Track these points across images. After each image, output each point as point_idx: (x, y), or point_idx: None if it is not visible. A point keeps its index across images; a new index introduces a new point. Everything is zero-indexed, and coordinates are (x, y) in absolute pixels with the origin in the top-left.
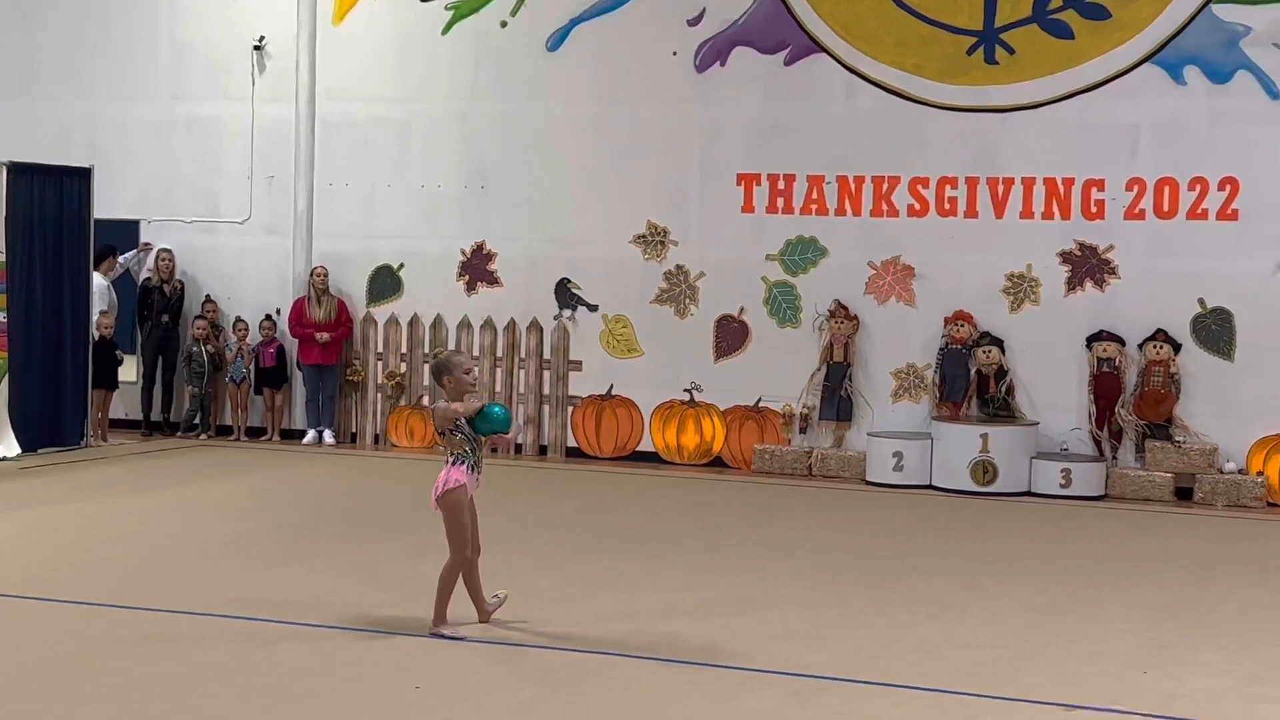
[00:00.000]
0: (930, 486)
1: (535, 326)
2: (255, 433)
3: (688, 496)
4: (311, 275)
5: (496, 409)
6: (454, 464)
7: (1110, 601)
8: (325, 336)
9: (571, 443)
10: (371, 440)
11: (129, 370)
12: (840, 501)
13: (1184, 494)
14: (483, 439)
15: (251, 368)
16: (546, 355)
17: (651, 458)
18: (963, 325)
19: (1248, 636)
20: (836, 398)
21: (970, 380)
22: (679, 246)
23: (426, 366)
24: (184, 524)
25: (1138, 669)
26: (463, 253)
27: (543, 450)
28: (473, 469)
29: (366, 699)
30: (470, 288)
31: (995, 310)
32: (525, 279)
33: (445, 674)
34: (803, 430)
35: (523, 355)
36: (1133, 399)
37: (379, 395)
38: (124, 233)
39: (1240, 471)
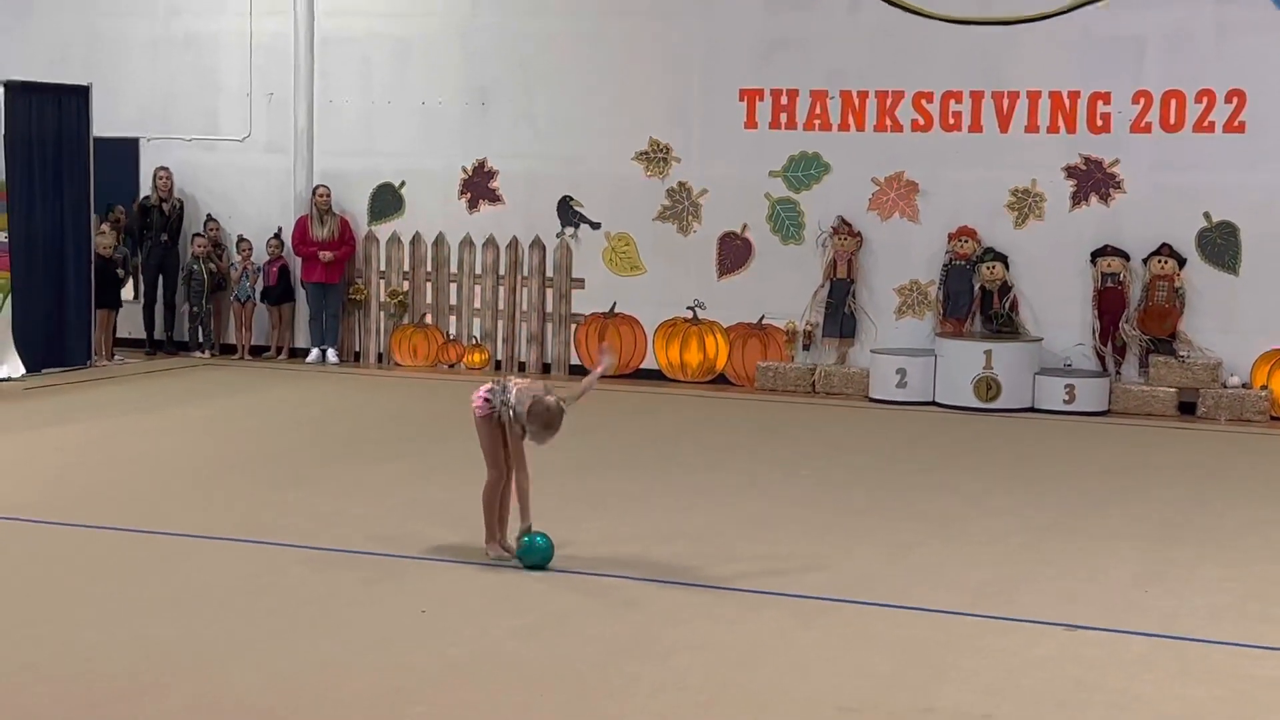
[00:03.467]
0: (933, 403)
1: (538, 244)
2: (259, 351)
3: (691, 414)
4: (314, 194)
5: (540, 540)
6: (486, 389)
7: (1113, 519)
8: (329, 255)
9: (575, 360)
10: (375, 359)
11: (129, 289)
12: (843, 419)
13: (1187, 409)
14: (514, 418)
15: (257, 286)
16: (549, 273)
17: (655, 375)
18: (966, 241)
19: (1249, 554)
20: (840, 315)
21: (974, 296)
22: (681, 163)
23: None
24: (189, 445)
25: (1139, 588)
26: (464, 170)
27: (546, 368)
28: (495, 409)
29: (372, 622)
30: (472, 205)
31: (999, 226)
32: (527, 196)
33: (451, 597)
34: (806, 347)
35: (525, 273)
36: (1137, 314)
37: (382, 314)
38: (123, 151)
39: (1244, 386)
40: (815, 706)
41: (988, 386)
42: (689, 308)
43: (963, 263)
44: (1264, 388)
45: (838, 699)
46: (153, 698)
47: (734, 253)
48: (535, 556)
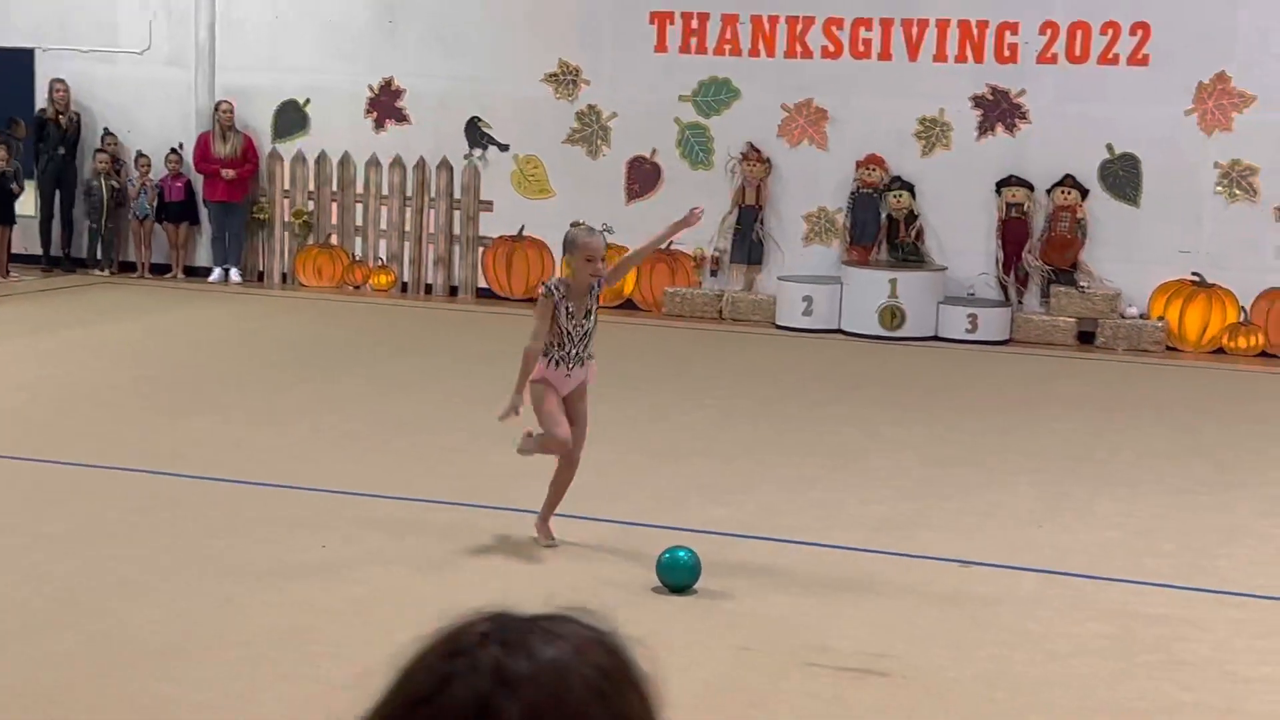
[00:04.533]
0: (839, 331)
1: (445, 166)
2: (159, 270)
3: (598, 341)
4: (216, 110)
5: (682, 555)
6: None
7: (1011, 452)
8: (231, 173)
9: (482, 283)
10: (279, 279)
11: (26, 204)
12: (750, 346)
13: (1087, 338)
14: (581, 334)
15: (155, 203)
16: (457, 195)
17: None
18: (874, 169)
19: (1141, 487)
20: (748, 241)
21: (880, 225)
22: (591, 86)
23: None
24: (88, 368)
25: (1034, 523)
26: (370, 89)
27: (453, 291)
28: (559, 364)
29: (273, 557)
30: (378, 125)
31: (907, 154)
32: (435, 117)
33: (352, 533)
34: (714, 273)
35: (432, 195)
36: (1039, 244)
37: (286, 233)
38: (18, 62)
39: (1141, 316)
40: (717, 647)
41: (892, 315)
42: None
43: (870, 191)
44: (1161, 318)
45: (735, 639)
46: (49, 636)
47: (643, 177)
48: (681, 576)
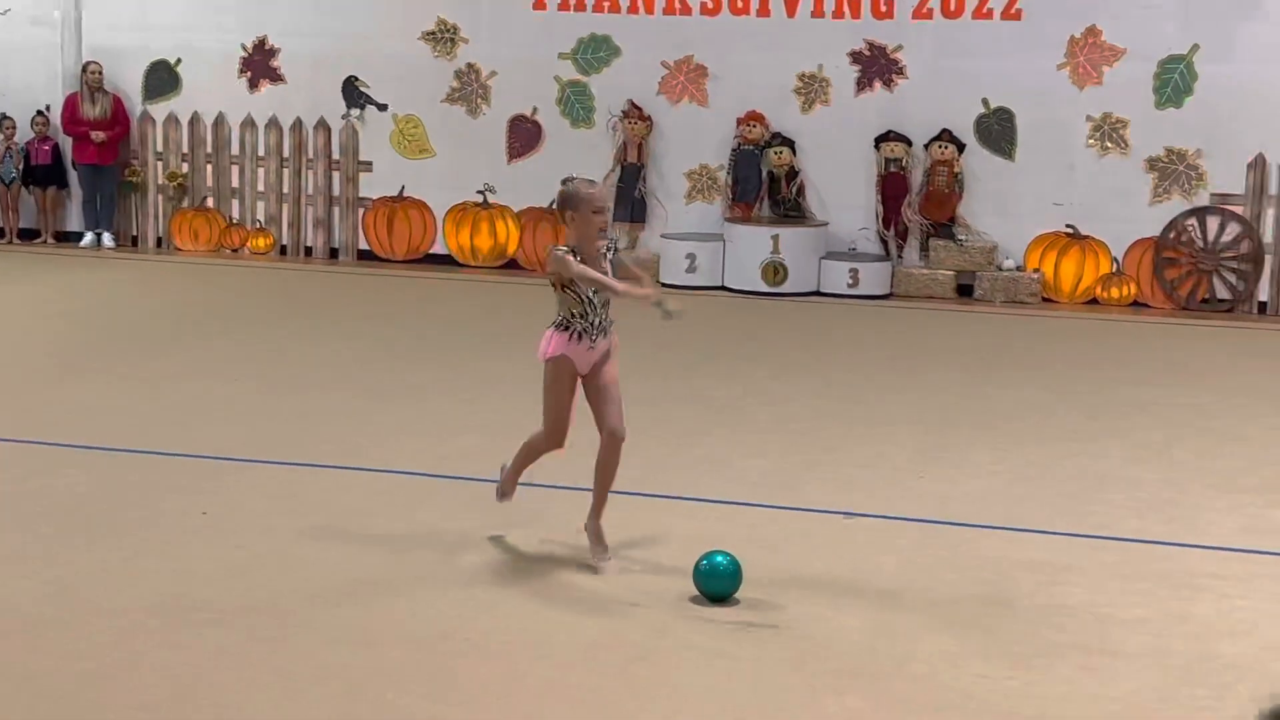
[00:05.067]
0: (722, 288)
1: (322, 126)
2: (28, 235)
3: (482, 301)
4: (84, 70)
5: (720, 560)
6: (556, 328)
7: (892, 404)
8: (101, 135)
9: (363, 245)
10: (154, 243)
11: None
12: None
13: (965, 291)
14: (604, 299)
15: (21, 166)
16: (335, 156)
17: (446, 260)
18: (755, 126)
19: (1019, 436)
20: (631, 199)
21: (762, 181)
22: (470, 44)
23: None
24: None
25: (915, 473)
26: (244, 48)
27: (334, 253)
28: (581, 336)
29: (152, 526)
30: (253, 85)
31: (787, 111)
32: (310, 76)
33: (232, 499)
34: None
35: (310, 156)
36: (918, 199)
37: (160, 196)
38: None
39: (1018, 269)
40: (603, 603)
41: (775, 271)
42: (479, 191)
43: (751, 147)
44: (1036, 270)
45: (623, 594)
46: None
47: (524, 136)
48: (721, 584)
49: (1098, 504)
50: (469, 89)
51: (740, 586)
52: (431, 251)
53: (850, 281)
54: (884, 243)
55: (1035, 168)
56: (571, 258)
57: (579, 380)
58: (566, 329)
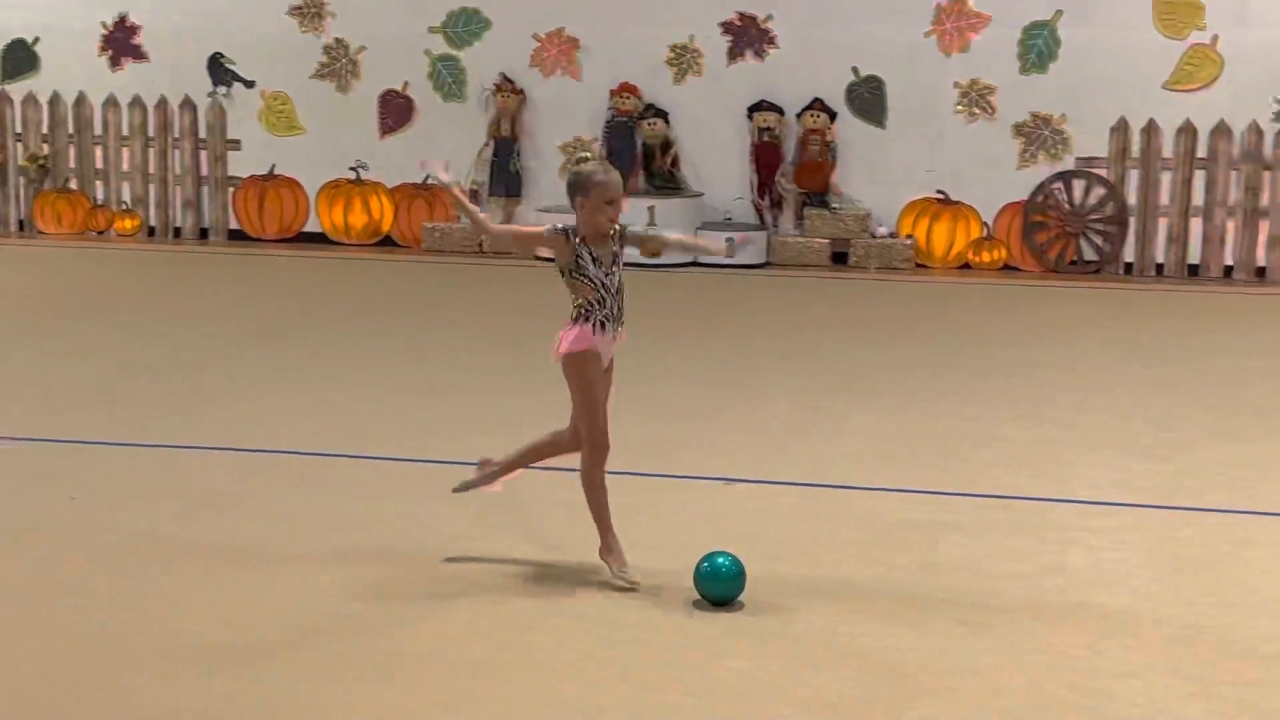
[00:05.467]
0: None
1: (188, 104)
2: None
3: (357, 278)
4: None
5: (722, 562)
6: (576, 320)
7: (770, 371)
8: None
9: (234, 225)
10: (15, 227)
11: None
12: (510, 279)
13: (840, 259)
14: (616, 286)
15: None
16: (202, 134)
17: (319, 238)
18: (628, 98)
19: (896, 399)
20: (506, 173)
21: (636, 153)
22: (338, 18)
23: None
24: None
25: (794, 438)
26: (104, 25)
27: (204, 234)
28: (603, 325)
29: (17, 512)
30: (114, 63)
31: (660, 82)
32: (174, 54)
33: (102, 483)
34: None
35: (176, 135)
36: (792, 168)
37: (21, 179)
38: None
39: (891, 235)
40: (487, 575)
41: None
42: (351, 168)
43: (625, 119)
44: (909, 236)
45: (505, 566)
46: None
47: (396, 111)
48: (722, 586)
49: (973, 462)
50: (338, 64)
51: (743, 588)
52: (304, 230)
53: (729, 254)
54: (759, 212)
55: (906, 135)
56: (555, 239)
57: None
58: (588, 319)
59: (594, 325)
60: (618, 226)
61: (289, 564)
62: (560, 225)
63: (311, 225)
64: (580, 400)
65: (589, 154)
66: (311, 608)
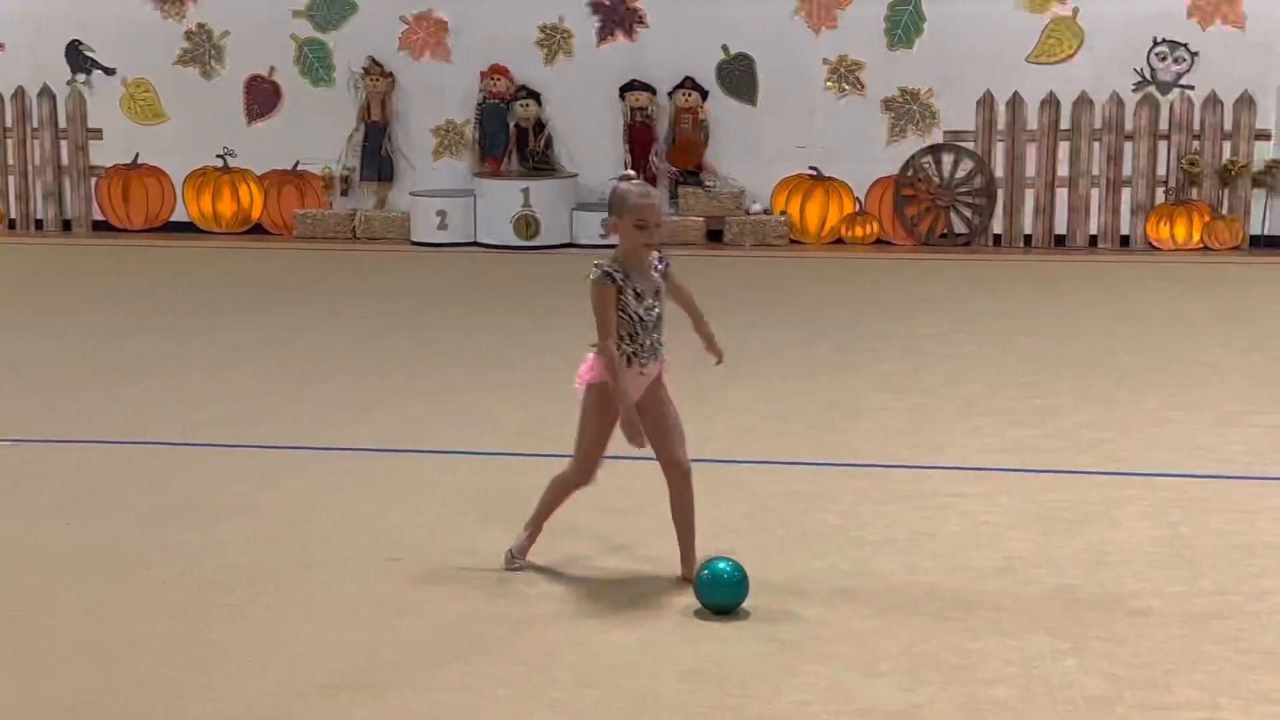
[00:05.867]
0: (475, 243)
1: (46, 94)
2: None
3: (228, 267)
4: None
5: (722, 567)
6: (600, 351)
7: None
8: None
9: (98, 215)
10: None
11: None
12: (386, 264)
13: (715, 236)
14: (655, 319)
15: None
16: (62, 124)
17: (187, 228)
18: (499, 79)
19: (771, 374)
20: (377, 158)
21: (510, 135)
22: (200, 4)
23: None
24: None
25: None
26: None
27: (67, 225)
28: (631, 361)
29: None
30: None
31: (531, 63)
32: (30, 41)
33: None
34: (344, 193)
35: (35, 125)
36: (666, 147)
37: None
38: None
39: (765, 212)
40: (364, 559)
41: (527, 224)
42: (219, 156)
43: (496, 101)
44: (783, 213)
45: (386, 550)
46: None
47: (262, 97)
48: (724, 594)
49: (849, 433)
50: (201, 50)
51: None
52: (172, 219)
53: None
54: None
55: (777, 112)
56: (609, 292)
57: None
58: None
59: (620, 359)
60: (661, 258)
61: (166, 555)
62: (602, 272)
63: (179, 215)
64: (586, 428)
65: (630, 173)
66: (190, 595)
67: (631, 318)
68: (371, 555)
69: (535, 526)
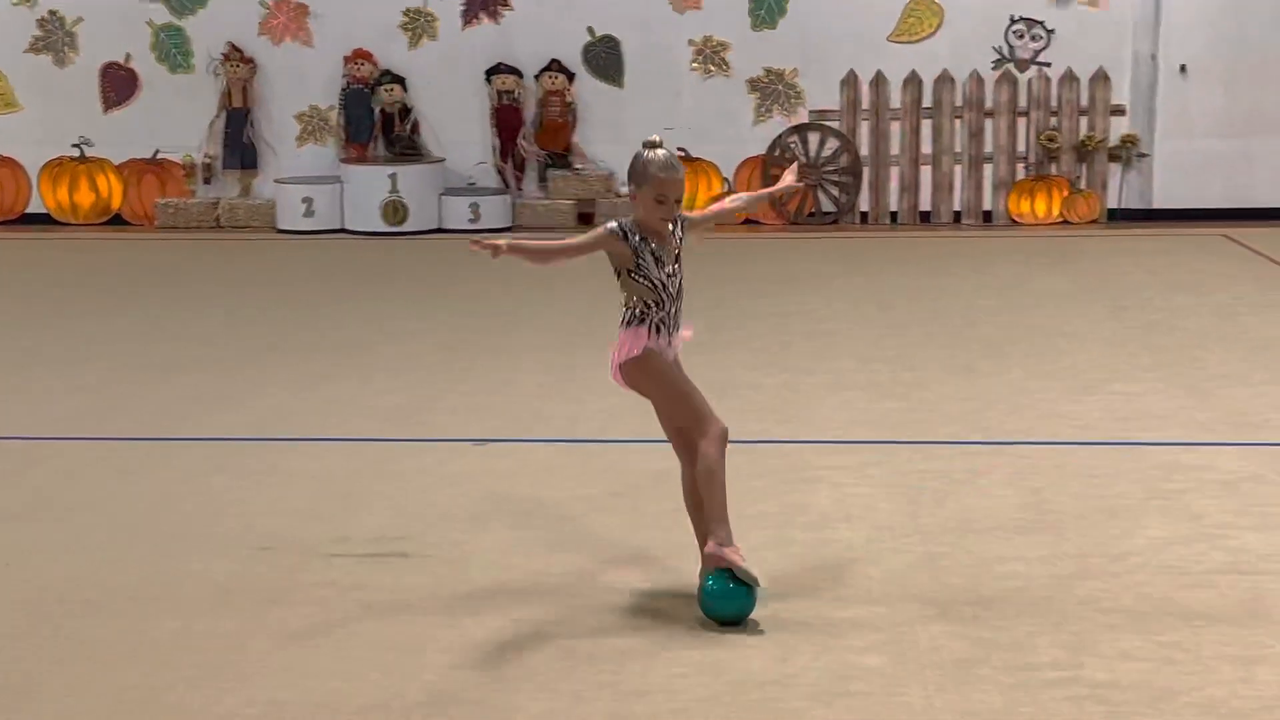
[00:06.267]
0: (342, 230)
1: None
2: None
3: (87, 260)
4: None
5: (714, 585)
6: (628, 325)
7: (518, 332)
8: None
9: None
10: None
11: None
12: (251, 252)
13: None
14: (677, 287)
15: None
16: None
17: (43, 220)
18: (363, 64)
19: None
20: (240, 145)
21: (375, 120)
22: None
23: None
24: None
25: (544, 397)
26: None
27: None
28: (660, 329)
29: None
30: None
31: (394, 47)
32: None
33: None
34: (207, 181)
35: None
36: (533, 130)
37: None
38: None
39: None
40: (230, 549)
41: (395, 210)
42: (75, 145)
43: (360, 86)
44: None
45: (252, 539)
46: None
47: (119, 84)
48: (730, 606)
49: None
50: (54, 37)
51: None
52: (28, 211)
53: (472, 216)
54: (502, 176)
55: (644, 93)
56: (610, 239)
57: None
58: (643, 321)
59: (650, 328)
60: (677, 218)
61: (22, 552)
62: (615, 223)
63: (35, 206)
64: (666, 397)
65: (657, 139)
66: (48, 590)
67: (655, 284)
68: (240, 544)
69: (718, 523)
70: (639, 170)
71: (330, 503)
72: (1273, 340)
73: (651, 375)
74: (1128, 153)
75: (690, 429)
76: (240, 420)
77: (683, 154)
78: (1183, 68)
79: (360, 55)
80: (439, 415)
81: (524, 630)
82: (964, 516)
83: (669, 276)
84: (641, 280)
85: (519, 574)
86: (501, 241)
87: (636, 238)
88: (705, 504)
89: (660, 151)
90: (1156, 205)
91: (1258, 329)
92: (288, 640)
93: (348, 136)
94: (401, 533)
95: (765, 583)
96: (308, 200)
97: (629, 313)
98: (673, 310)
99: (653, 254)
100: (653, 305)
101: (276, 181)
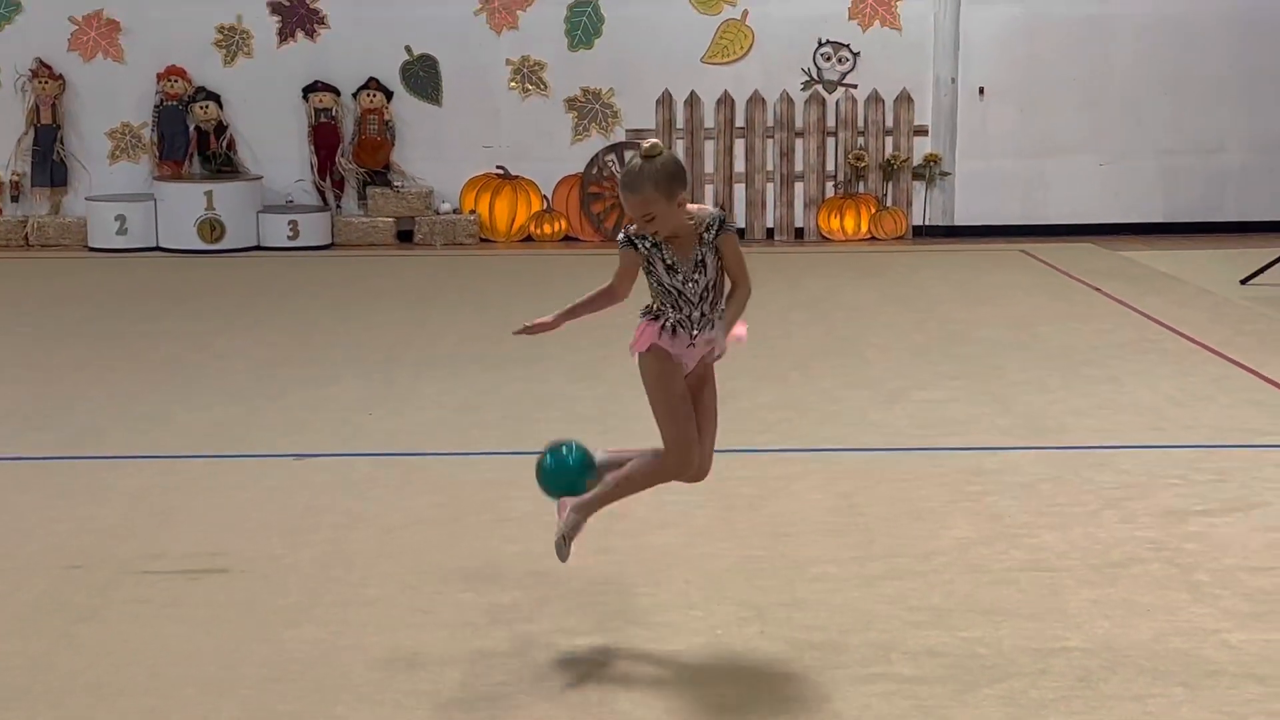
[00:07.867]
0: (157, 248)
1: None
2: None
3: None
4: None
5: (550, 460)
6: (647, 316)
7: (337, 348)
8: None
9: None
10: None
11: None
12: (61, 271)
13: (406, 236)
14: (699, 291)
15: None
16: None
17: None
18: (176, 81)
19: (463, 368)
20: (49, 162)
21: (190, 137)
22: None
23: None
24: None
25: (364, 411)
26: None
27: None
28: (677, 330)
29: None
30: None
31: (209, 64)
32: None
33: None
34: (15, 199)
35: None
36: (352, 148)
37: None
38: None
39: (455, 211)
40: (40, 568)
41: (211, 228)
42: None
43: (175, 103)
44: (473, 212)
45: (64, 558)
46: None
47: None
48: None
49: (540, 422)
50: None
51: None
52: None
53: (290, 234)
54: (321, 193)
55: (463, 112)
56: (627, 253)
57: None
58: (657, 319)
59: (664, 327)
60: (713, 224)
61: None
62: (622, 233)
63: None
64: (655, 411)
65: (647, 145)
66: None
67: (668, 290)
68: (48, 564)
69: (595, 508)
70: (623, 179)
71: (144, 520)
72: (1068, 349)
73: (648, 379)
74: (930, 172)
75: (666, 449)
76: (49, 439)
77: (501, 172)
78: (981, 90)
79: (174, 72)
80: (256, 431)
81: (343, 642)
82: (777, 521)
83: (683, 282)
84: (655, 284)
85: (338, 586)
86: (548, 318)
87: (647, 244)
88: (605, 491)
89: (636, 162)
90: (958, 222)
91: (1053, 338)
92: (100, 659)
93: (161, 154)
94: (217, 548)
95: (571, 570)
96: (121, 218)
97: (649, 305)
98: (695, 314)
99: (664, 260)
100: (669, 307)
101: (88, 199)
